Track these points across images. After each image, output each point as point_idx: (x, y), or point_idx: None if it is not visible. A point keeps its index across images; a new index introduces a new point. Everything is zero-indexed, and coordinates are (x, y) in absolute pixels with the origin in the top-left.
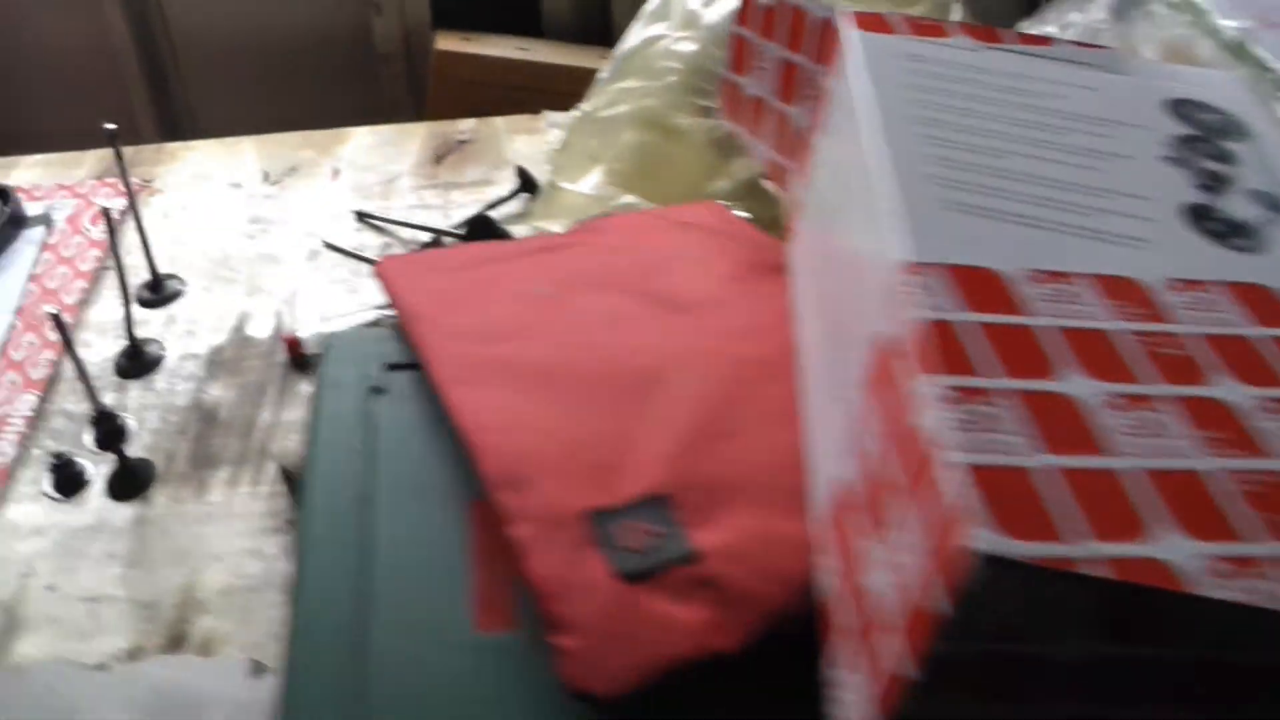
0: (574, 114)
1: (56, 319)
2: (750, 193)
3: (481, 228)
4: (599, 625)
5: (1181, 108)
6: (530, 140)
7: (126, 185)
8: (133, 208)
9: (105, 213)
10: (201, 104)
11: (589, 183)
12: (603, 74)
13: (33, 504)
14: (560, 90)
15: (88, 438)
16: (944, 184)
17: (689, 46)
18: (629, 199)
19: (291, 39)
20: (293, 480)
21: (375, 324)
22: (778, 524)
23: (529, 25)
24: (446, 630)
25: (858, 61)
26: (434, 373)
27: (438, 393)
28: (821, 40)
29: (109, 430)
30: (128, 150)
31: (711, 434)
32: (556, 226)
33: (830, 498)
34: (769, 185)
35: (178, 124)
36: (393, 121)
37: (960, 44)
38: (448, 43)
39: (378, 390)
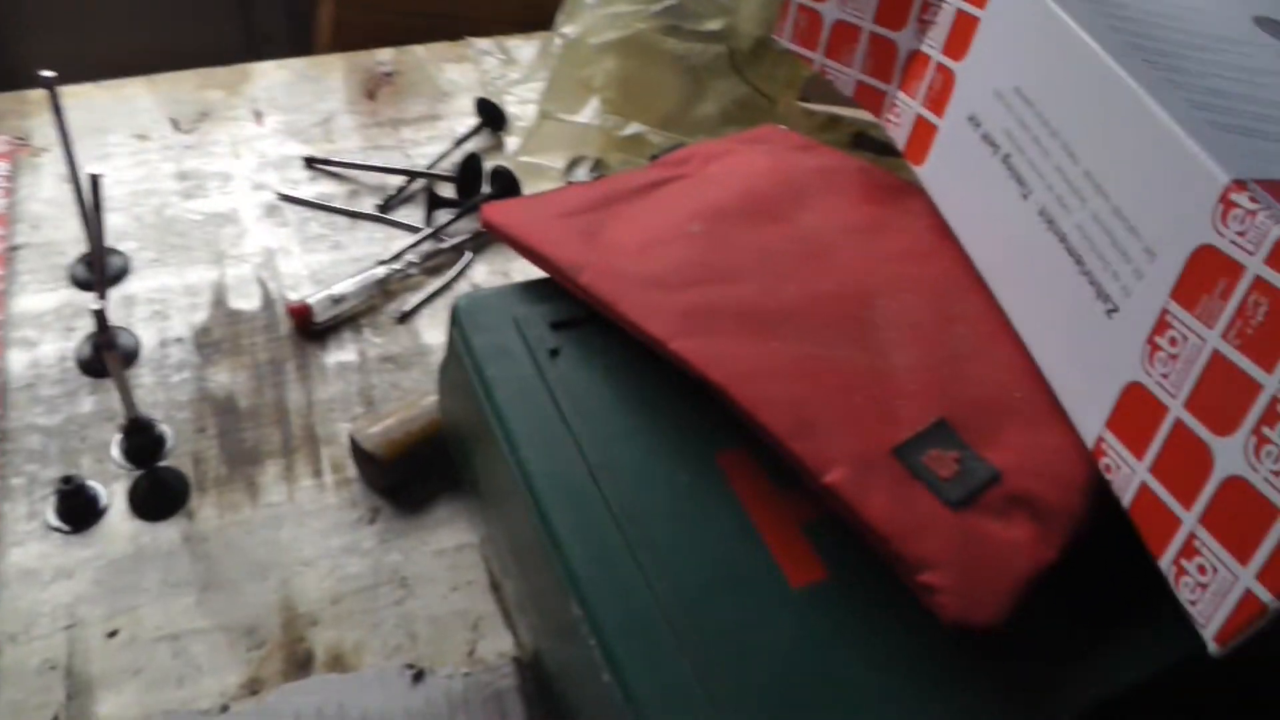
0: (555, 40)
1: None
2: (736, 115)
3: (471, 171)
4: (958, 557)
5: None
6: (461, 69)
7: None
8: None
9: (93, 186)
10: (33, 43)
11: (587, 112)
12: None
13: (39, 542)
14: (467, 16)
15: (86, 456)
16: (1199, 107)
17: None
18: (635, 127)
19: None
20: (378, 461)
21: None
22: (1046, 434)
23: None
24: (765, 589)
25: None
26: (641, 326)
27: (656, 347)
28: None
29: (146, 441)
30: None
31: (950, 356)
32: (552, 159)
33: (1116, 403)
34: (860, 113)
35: (12, 68)
36: (270, 55)
37: None
38: None
39: (554, 353)
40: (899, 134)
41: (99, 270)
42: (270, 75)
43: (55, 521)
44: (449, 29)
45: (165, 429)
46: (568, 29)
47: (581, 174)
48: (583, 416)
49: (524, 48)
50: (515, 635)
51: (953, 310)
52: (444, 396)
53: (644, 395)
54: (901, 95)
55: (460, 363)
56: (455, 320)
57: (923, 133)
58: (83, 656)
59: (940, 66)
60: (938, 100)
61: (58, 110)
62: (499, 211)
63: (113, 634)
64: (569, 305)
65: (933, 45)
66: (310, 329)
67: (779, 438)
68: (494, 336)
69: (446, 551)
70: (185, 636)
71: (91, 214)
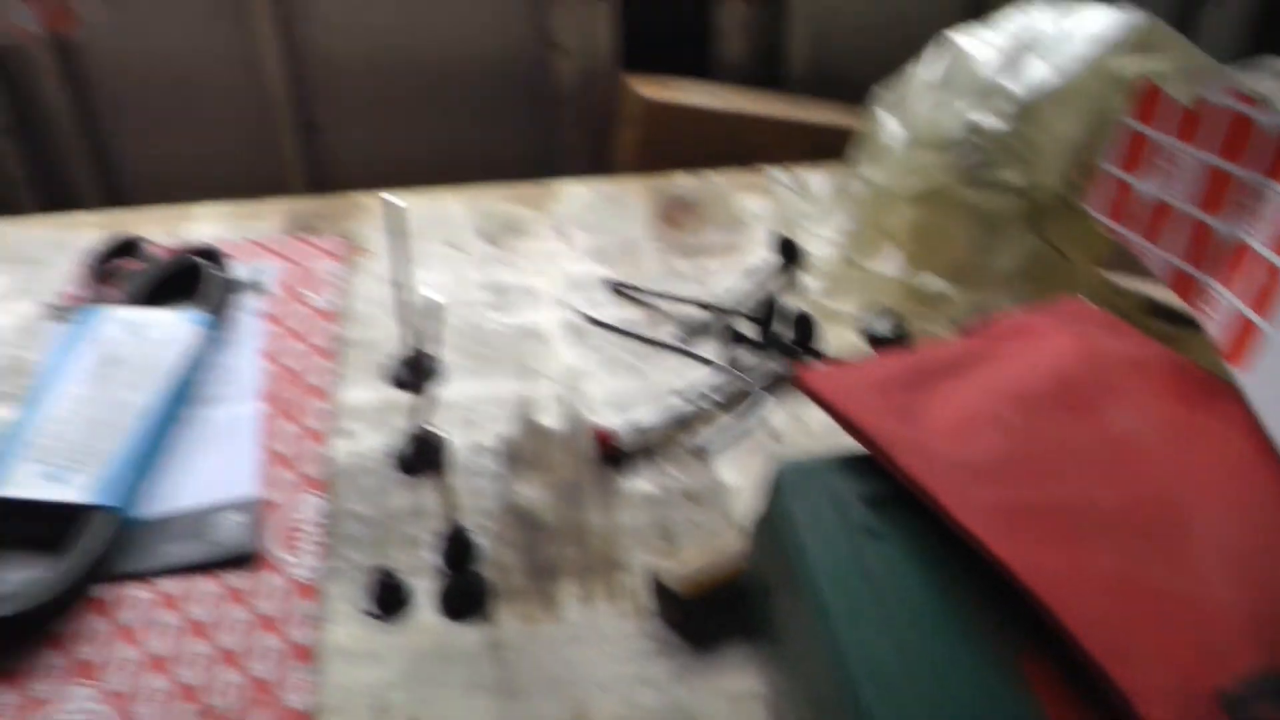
0: (853, 181)
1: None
2: (1031, 274)
3: (769, 311)
4: None
5: None
6: (758, 199)
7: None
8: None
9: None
10: (348, 143)
11: (886, 261)
12: (887, 140)
13: (355, 625)
14: (759, 143)
15: (395, 548)
16: None
17: (994, 122)
18: (933, 281)
19: (451, 75)
20: (678, 599)
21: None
22: None
23: (701, 66)
24: None
25: None
26: (956, 518)
27: (969, 541)
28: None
29: (461, 548)
30: (309, 204)
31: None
32: (850, 305)
33: None
34: (1170, 297)
35: (324, 168)
36: (570, 168)
37: None
38: (651, 90)
39: (868, 529)
40: (1214, 328)
41: (422, 385)
42: (574, 194)
43: (370, 608)
44: (743, 155)
45: (480, 539)
46: (870, 173)
47: (880, 324)
48: (899, 600)
49: (818, 180)
50: None
51: (1277, 543)
52: (756, 553)
53: (952, 582)
54: (1219, 287)
55: (777, 528)
56: (776, 487)
57: (1244, 333)
58: None
59: (1269, 266)
60: (1263, 300)
61: (400, 233)
62: (817, 379)
63: None
64: (885, 482)
65: (1259, 238)
66: (614, 456)
67: (1096, 659)
68: (812, 507)
69: (735, 696)
70: None
71: (430, 330)
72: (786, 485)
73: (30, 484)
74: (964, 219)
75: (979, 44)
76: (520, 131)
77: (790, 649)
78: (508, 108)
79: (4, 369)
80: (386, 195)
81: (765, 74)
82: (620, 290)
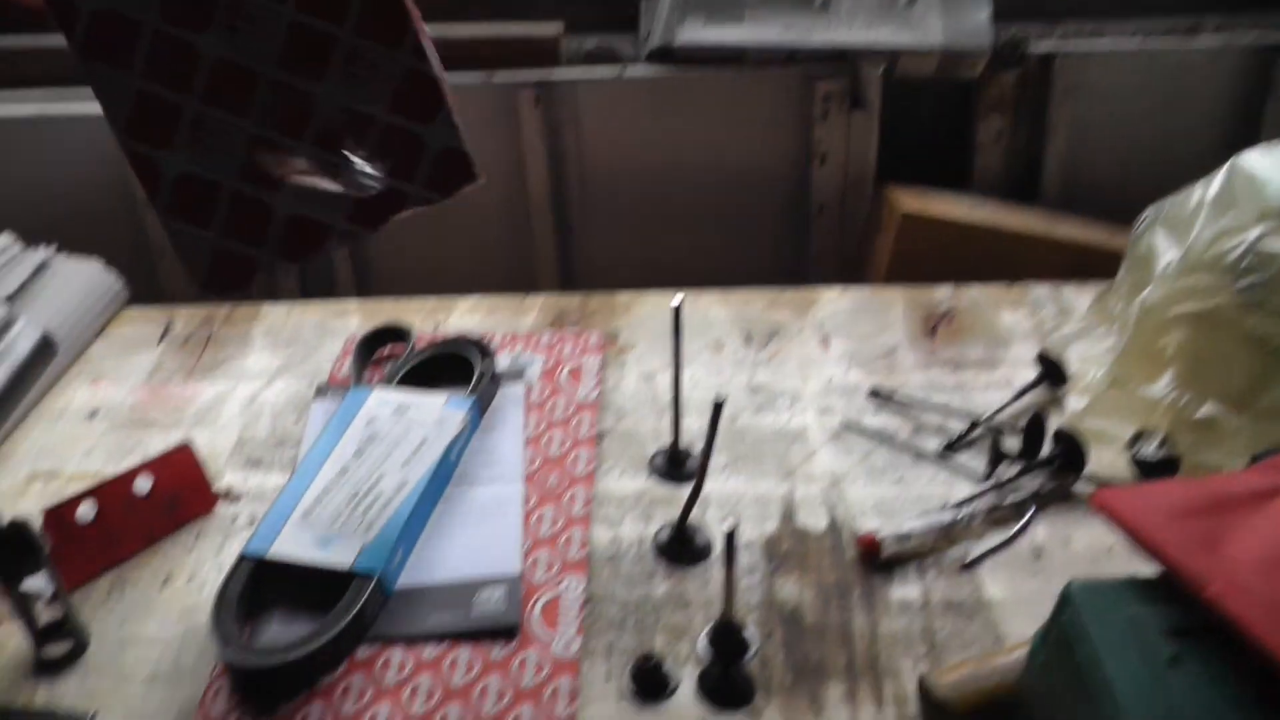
0: (1130, 308)
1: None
2: None
3: (1036, 429)
4: None
5: None
6: (1016, 315)
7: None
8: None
9: (717, 407)
10: (600, 247)
11: (1157, 385)
12: (1161, 260)
13: (613, 705)
14: (1015, 258)
15: (653, 633)
16: None
17: (1274, 244)
18: (1209, 408)
19: (710, 185)
20: (948, 710)
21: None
22: None
23: (959, 178)
24: None
25: None
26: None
27: None
28: None
29: (734, 645)
30: (570, 300)
31: None
32: (1116, 427)
33: None
34: None
35: (575, 267)
36: (821, 277)
37: None
38: (907, 203)
39: (1173, 660)
40: None
41: (700, 477)
42: (834, 302)
43: (627, 689)
44: (997, 267)
45: (752, 635)
46: (1141, 293)
47: (1149, 448)
48: None
49: (1079, 298)
50: None
51: None
52: (1039, 670)
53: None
54: None
55: (1069, 644)
56: (1069, 605)
57: None
58: None
59: None
60: None
61: (677, 332)
62: (1116, 499)
63: None
64: (1185, 612)
65: None
66: (876, 561)
67: None
68: (1109, 630)
69: None
70: None
71: (709, 434)
72: (1082, 605)
73: (301, 548)
74: (1242, 345)
75: (1267, 165)
76: (776, 239)
77: None
78: (765, 216)
79: (273, 441)
80: (677, 295)
81: (1022, 188)
82: (882, 396)
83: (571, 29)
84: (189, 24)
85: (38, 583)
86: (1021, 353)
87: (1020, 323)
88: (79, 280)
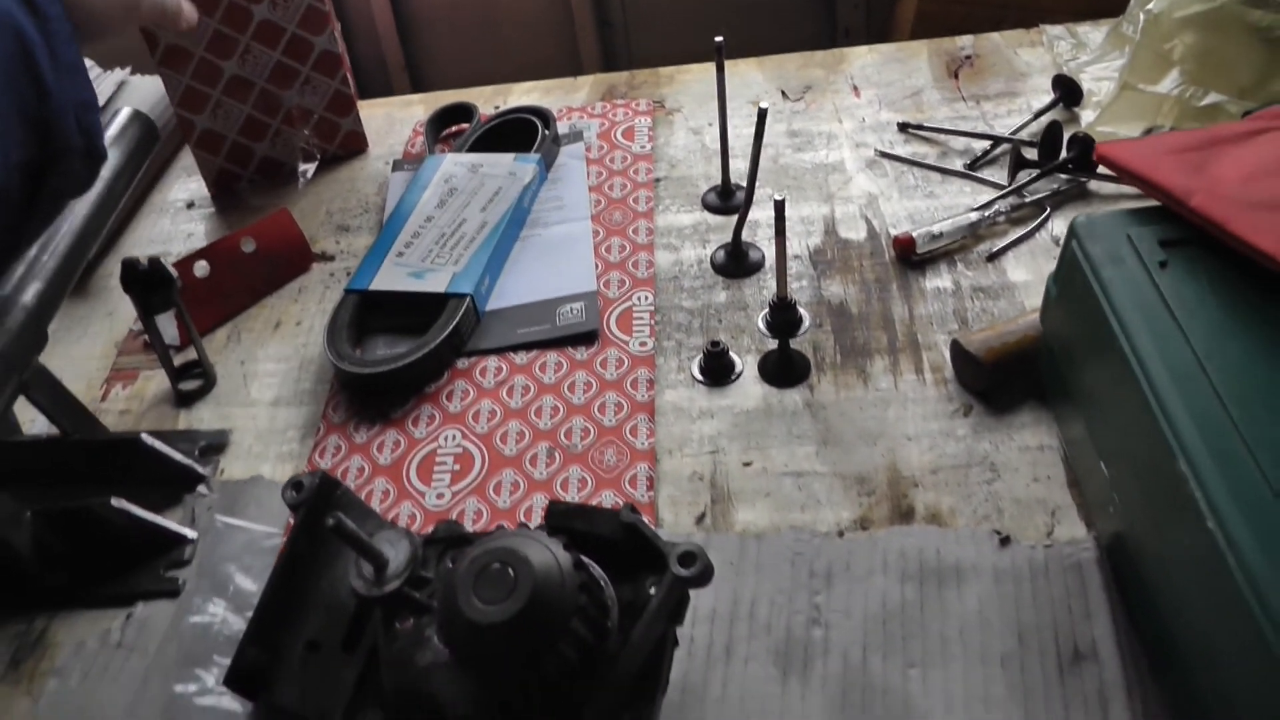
0: (1126, 23)
1: (780, 206)
2: None
3: (1053, 137)
4: None
5: None
6: (1034, 52)
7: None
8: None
9: (761, 114)
10: (641, 40)
11: (1165, 83)
12: None
13: (687, 389)
14: (1030, 4)
15: (720, 332)
16: None
17: None
18: (1214, 97)
19: None
20: (978, 363)
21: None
22: None
23: None
24: None
25: None
26: (1251, 242)
27: (1265, 262)
28: None
29: (788, 319)
30: (618, 76)
31: None
32: (1128, 128)
33: None
34: None
35: (615, 60)
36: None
37: None
38: None
39: (1163, 264)
40: None
41: (750, 182)
42: (863, 58)
43: (699, 376)
44: (1019, 19)
45: (804, 312)
46: (1151, 5)
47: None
48: (1190, 316)
49: (1094, 33)
50: (1091, 527)
51: None
52: (1051, 306)
53: (1248, 302)
54: None
55: (1076, 269)
56: (1073, 233)
57: None
58: (723, 475)
59: None
60: None
61: (721, 77)
62: (1113, 148)
63: (748, 464)
64: (1177, 227)
65: None
66: (911, 259)
67: None
68: (1108, 247)
69: (1029, 449)
70: (806, 476)
71: (755, 141)
72: (1083, 231)
73: (397, 280)
74: (1247, 39)
75: None
76: (804, 15)
77: (1092, 382)
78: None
79: (358, 209)
80: (718, 38)
81: None
82: (910, 129)
83: None
84: (218, 54)
85: (168, 323)
86: (1039, 83)
87: (1038, 59)
88: (152, 91)
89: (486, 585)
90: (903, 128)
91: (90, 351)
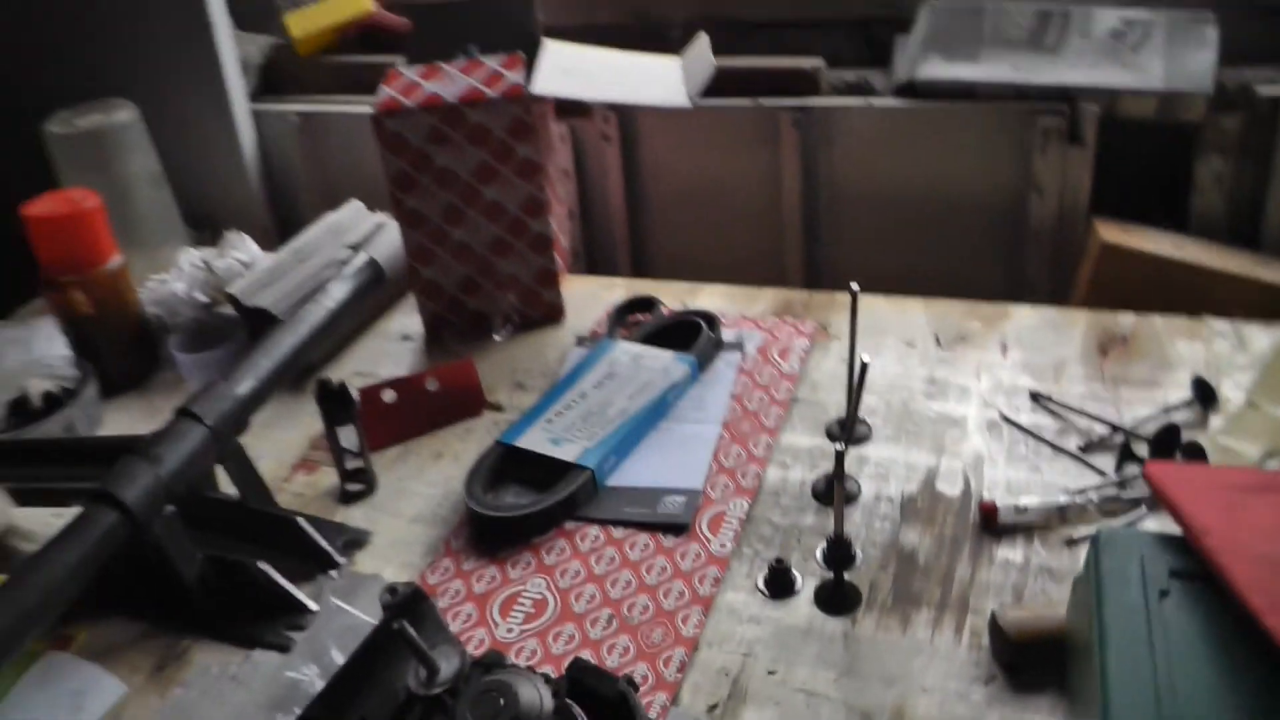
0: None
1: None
2: None
3: (1168, 439)
4: None
5: None
6: (1192, 345)
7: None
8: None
9: (862, 368)
10: (841, 255)
11: None
12: None
13: (747, 595)
14: (1215, 296)
15: (795, 552)
16: None
17: None
18: None
19: (939, 211)
20: (1007, 638)
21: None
22: None
23: (1179, 219)
24: None
25: None
26: (1243, 596)
27: (1251, 616)
28: None
29: (843, 554)
30: (798, 295)
31: None
32: (1252, 448)
33: None
34: None
35: (819, 271)
36: (1031, 298)
37: None
38: (1110, 234)
39: (1164, 594)
40: None
41: (849, 429)
42: (1023, 318)
43: (761, 587)
44: (1191, 299)
45: (858, 551)
46: None
47: (1273, 465)
48: (1169, 653)
49: (1260, 336)
50: None
51: None
52: (1071, 606)
53: (1230, 655)
54: None
55: (1087, 577)
56: (1094, 542)
57: None
58: (747, 676)
59: None
60: None
61: (854, 313)
62: (1161, 468)
63: (772, 672)
64: (1190, 560)
65: None
66: (994, 526)
67: None
68: (1119, 564)
69: None
70: (818, 698)
71: (855, 388)
72: (1102, 545)
73: (539, 442)
74: None
75: None
76: (994, 261)
77: (1077, 686)
78: (985, 239)
79: (537, 373)
80: (853, 286)
81: (1242, 232)
82: (1039, 400)
83: (836, 64)
84: (449, 222)
85: (349, 434)
86: (1185, 379)
87: (1193, 353)
88: (399, 237)
89: (482, 706)
90: (1034, 397)
91: (291, 438)
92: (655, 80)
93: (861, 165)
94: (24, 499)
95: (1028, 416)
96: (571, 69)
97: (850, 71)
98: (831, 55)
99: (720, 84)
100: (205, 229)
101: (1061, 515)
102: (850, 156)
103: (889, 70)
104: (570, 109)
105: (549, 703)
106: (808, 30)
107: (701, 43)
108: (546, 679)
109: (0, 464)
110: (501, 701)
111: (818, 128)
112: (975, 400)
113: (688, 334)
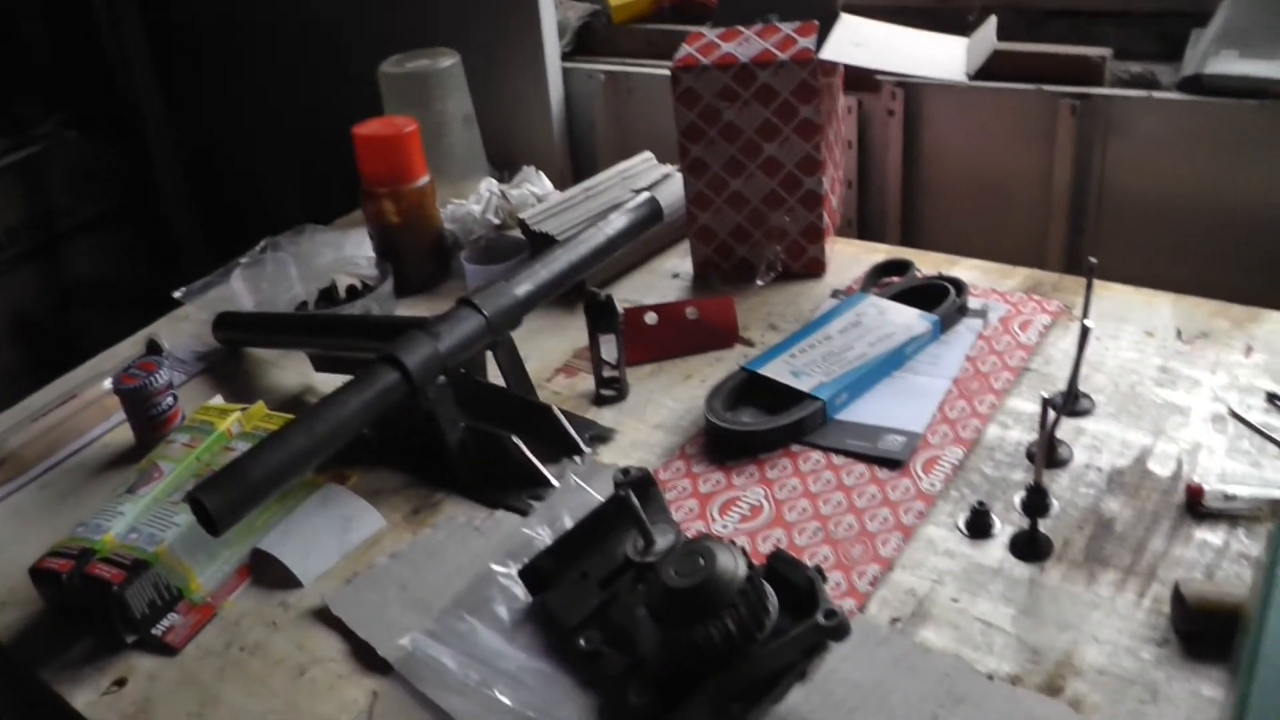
0: None
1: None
2: None
3: None
4: None
5: None
6: None
7: (1086, 307)
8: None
9: (1083, 332)
10: (1102, 250)
11: None
12: None
13: (947, 532)
14: None
15: (999, 502)
16: None
17: None
18: None
19: (1212, 216)
20: (1186, 605)
21: None
22: None
23: None
24: None
25: None
26: None
27: None
28: None
29: (1038, 502)
30: (1050, 276)
31: None
32: None
33: None
34: None
35: (1079, 263)
36: None
37: None
38: None
39: None
40: None
41: (1071, 387)
42: (1274, 323)
43: (961, 526)
44: None
45: (1054, 502)
46: None
47: None
48: None
49: None
50: None
51: None
52: (1249, 592)
53: None
54: None
55: (1262, 574)
56: (1272, 538)
57: None
58: (931, 600)
59: None
60: None
61: (1088, 285)
62: None
63: (955, 600)
64: None
65: None
66: (1198, 508)
67: None
68: None
69: (1199, 696)
70: (994, 629)
71: (1078, 352)
72: (1277, 540)
73: (780, 372)
74: None
75: None
76: (1259, 272)
77: (1236, 671)
78: (1263, 249)
79: (792, 318)
80: (1090, 259)
81: None
82: (1275, 401)
83: (1125, 56)
84: (729, 173)
85: (610, 346)
86: None
87: None
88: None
89: (683, 564)
90: (1270, 398)
91: (557, 346)
92: (937, 57)
93: (1137, 161)
94: (321, 365)
95: (1259, 416)
96: (860, 41)
97: (1136, 64)
98: (1122, 48)
99: (1002, 67)
100: (506, 170)
101: (1274, 509)
102: (1126, 151)
103: (1178, 65)
104: (860, 83)
105: (743, 570)
106: (1102, 21)
107: (989, 25)
108: (745, 554)
109: (305, 333)
110: (701, 561)
111: (1096, 118)
112: (1205, 393)
113: (936, 296)
